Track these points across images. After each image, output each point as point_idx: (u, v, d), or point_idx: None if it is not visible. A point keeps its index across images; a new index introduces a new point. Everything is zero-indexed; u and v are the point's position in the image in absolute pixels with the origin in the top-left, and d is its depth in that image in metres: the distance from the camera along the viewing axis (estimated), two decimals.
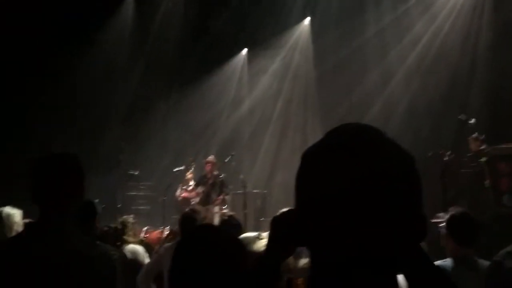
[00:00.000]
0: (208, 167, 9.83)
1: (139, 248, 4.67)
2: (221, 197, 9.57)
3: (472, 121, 7.28)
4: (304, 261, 2.97)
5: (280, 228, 1.30)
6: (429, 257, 1.22)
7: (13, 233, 3.49)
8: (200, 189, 9.81)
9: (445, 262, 3.03)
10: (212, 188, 9.66)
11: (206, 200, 9.48)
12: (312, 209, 0.86)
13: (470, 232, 3.23)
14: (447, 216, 3.37)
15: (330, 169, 0.85)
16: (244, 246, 1.68)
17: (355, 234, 0.83)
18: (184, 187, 10.08)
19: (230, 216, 4.91)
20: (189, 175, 10.20)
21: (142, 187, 11.71)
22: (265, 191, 10.61)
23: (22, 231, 2.04)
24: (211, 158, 9.91)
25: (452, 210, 3.47)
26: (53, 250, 1.84)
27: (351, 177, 0.83)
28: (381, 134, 0.89)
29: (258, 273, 1.33)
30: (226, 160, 9.95)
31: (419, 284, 1.18)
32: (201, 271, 1.50)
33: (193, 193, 9.89)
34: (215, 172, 9.80)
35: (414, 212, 0.86)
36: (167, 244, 4.23)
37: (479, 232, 3.30)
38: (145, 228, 8.83)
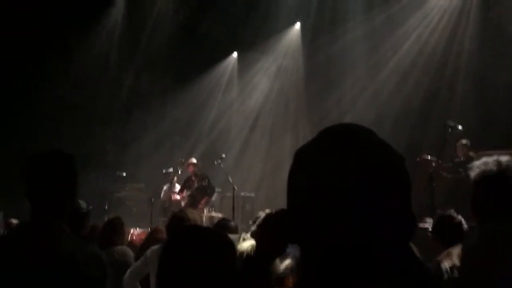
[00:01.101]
0: (190, 169, 9.82)
1: (127, 250, 4.65)
2: (204, 199, 9.55)
3: (460, 127, 7.36)
4: (287, 262, 2.99)
5: (271, 227, 1.31)
6: (417, 256, 1.24)
7: None
8: (185, 193, 9.79)
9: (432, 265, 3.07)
10: (196, 190, 9.64)
11: (193, 203, 9.44)
12: (304, 206, 0.87)
13: (456, 234, 3.29)
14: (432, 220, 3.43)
15: (321, 167, 0.86)
16: (234, 246, 1.68)
17: (346, 232, 0.84)
18: (172, 190, 10.05)
19: (224, 219, 4.90)
20: (176, 177, 10.18)
21: (129, 189, 11.65)
22: (252, 194, 10.61)
23: (15, 229, 2.02)
24: (192, 160, 9.91)
25: (438, 214, 3.53)
26: (45, 250, 1.83)
27: (343, 176, 0.84)
28: (372, 134, 0.91)
29: (248, 272, 1.34)
30: (216, 162, 9.93)
31: (407, 283, 1.19)
32: (191, 270, 1.48)
33: (179, 196, 9.86)
34: (199, 173, 9.78)
35: (403, 211, 0.87)
36: (154, 247, 4.20)
37: (464, 234, 3.35)
38: (133, 230, 8.78)
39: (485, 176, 2.03)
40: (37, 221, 1.89)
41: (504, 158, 2.06)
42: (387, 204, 0.84)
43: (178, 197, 9.91)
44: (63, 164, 1.96)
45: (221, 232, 1.71)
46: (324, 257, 0.86)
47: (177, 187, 9.99)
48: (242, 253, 2.39)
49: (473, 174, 2.08)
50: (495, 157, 2.07)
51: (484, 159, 2.10)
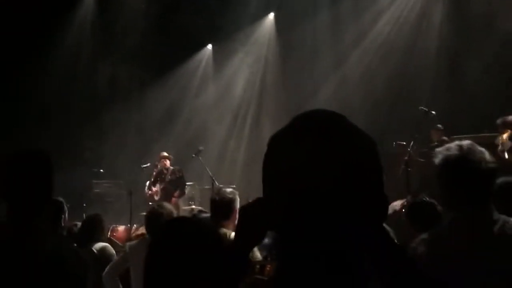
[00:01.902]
0: (162, 163, 9.78)
1: (107, 246, 4.62)
2: (177, 192, 9.51)
3: (433, 112, 7.48)
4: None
5: (248, 216, 1.32)
6: (391, 237, 1.27)
7: None
8: (158, 186, 9.74)
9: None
10: (169, 183, 9.60)
11: (166, 197, 9.39)
12: (278, 192, 0.88)
13: (429, 219, 3.34)
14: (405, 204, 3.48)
15: (295, 152, 0.87)
16: (220, 235, 1.69)
17: (319, 217, 0.86)
18: (151, 185, 10.01)
19: (200, 211, 4.90)
20: (155, 171, 10.13)
21: (108, 185, 11.54)
22: (233, 186, 10.60)
23: None
24: (163, 153, 9.87)
25: (409, 199, 3.58)
26: (23, 248, 1.82)
27: (317, 160, 0.85)
28: (344, 120, 0.93)
29: (228, 261, 1.35)
30: (193, 155, 9.89)
31: (385, 265, 1.22)
32: (178, 262, 1.49)
33: (154, 190, 9.81)
34: (172, 167, 9.75)
35: (377, 193, 0.89)
36: (132, 242, 4.19)
37: (438, 219, 3.41)
38: (112, 226, 8.71)
39: (447, 161, 2.01)
40: (15, 221, 1.88)
41: (465, 142, 2.04)
42: (362, 186, 0.86)
43: (153, 191, 9.85)
44: (39, 163, 1.95)
45: (207, 223, 1.72)
46: (299, 242, 0.88)
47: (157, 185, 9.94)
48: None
49: (436, 160, 2.07)
50: (457, 142, 2.07)
51: (447, 145, 2.10)
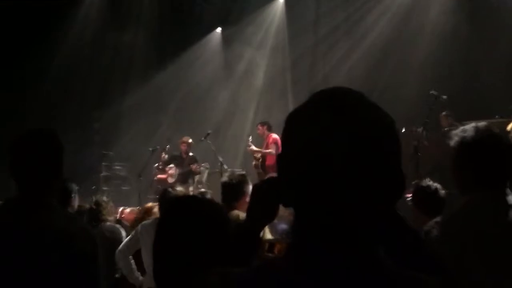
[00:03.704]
0: (183, 147, 9.80)
1: (116, 227, 4.66)
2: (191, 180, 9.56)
3: (444, 97, 7.39)
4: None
5: (260, 194, 1.32)
6: (402, 217, 1.26)
7: None
8: (174, 170, 9.76)
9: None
10: (187, 168, 9.64)
11: (182, 181, 9.45)
12: (297, 168, 0.87)
13: (436, 203, 3.34)
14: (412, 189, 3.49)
15: (313, 127, 0.86)
16: (226, 213, 1.69)
17: (339, 193, 0.84)
18: (161, 167, 10.05)
19: (203, 193, 4.92)
20: (164, 155, 10.15)
21: (117, 167, 11.62)
22: (241, 170, 10.60)
23: (2, 205, 2.00)
24: (186, 138, 9.86)
25: (414, 184, 3.57)
26: (33, 226, 1.83)
27: (335, 135, 0.84)
28: (363, 96, 0.91)
29: (240, 239, 1.35)
30: (202, 139, 9.90)
31: (397, 244, 1.21)
32: (185, 241, 1.49)
33: (168, 173, 9.85)
34: (190, 154, 9.78)
35: (395, 170, 0.88)
36: (145, 222, 4.23)
37: (444, 202, 3.41)
38: (121, 208, 8.78)
39: (464, 143, 1.98)
40: (26, 197, 1.89)
41: (481, 124, 2.00)
42: (378, 164, 0.85)
43: (166, 174, 9.89)
44: (48, 141, 1.95)
45: (213, 201, 1.72)
46: (316, 219, 0.87)
47: (170, 166, 9.96)
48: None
49: (451, 142, 2.03)
50: (473, 124, 2.03)
51: (463, 127, 2.06)
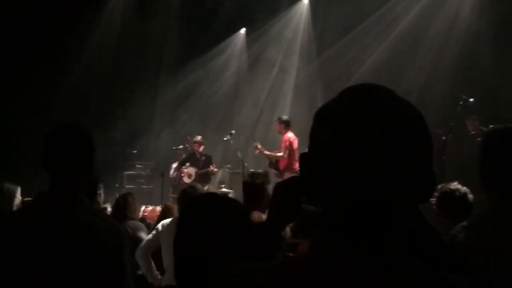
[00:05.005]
0: (196, 147, 9.81)
1: (140, 224, 4.70)
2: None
3: (471, 100, 7.27)
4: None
5: (283, 192, 1.31)
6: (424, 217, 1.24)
7: (14, 208, 3.51)
8: (191, 170, 9.78)
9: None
10: (204, 167, 9.65)
11: (202, 181, 9.48)
12: (326, 164, 0.86)
13: (460, 207, 3.25)
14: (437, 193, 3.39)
15: (344, 125, 0.85)
16: (247, 212, 1.68)
17: (369, 189, 0.83)
18: (177, 166, 10.08)
19: (225, 193, 4.93)
20: (185, 154, 10.21)
21: (140, 166, 11.73)
22: (261, 171, 10.58)
23: (32, 200, 2.04)
24: (199, 138, 9.85)
25: (440, 187, 3.46)
26: (64, 219, 1.85)
27: (367, 131, 0.83)
28: (393, 92, 0.90)
29: (262, 238, 1.35)
30: (225, 139, 9.93)
31: (422, 246, 1.20)
32: (206, 237, 1.48)
33: (184, 173, 9.87)
34: (205, 153, 9.78)
35: (425, 169, 0.87)
36: (165, 221, 4.26)
37: (472, 207, 3.31)
38: (144, 207, 8.86)
39: (490, 147, 1.92)
40: (57, 191, 1.91)
41: (508, 127, 1.95)
42: (408, 162, 0.84)
43: (184, 173, 9.92)
44: (81, 136, 1.98)
45: (233, 199, 1.71)
46: (343, 216, 0.86)
47: (187, 165, 10.01)
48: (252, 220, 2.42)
49: (480, 144, 1.98)
50: (502, 126, 1.97)
51: (492, 129, 2.02)
